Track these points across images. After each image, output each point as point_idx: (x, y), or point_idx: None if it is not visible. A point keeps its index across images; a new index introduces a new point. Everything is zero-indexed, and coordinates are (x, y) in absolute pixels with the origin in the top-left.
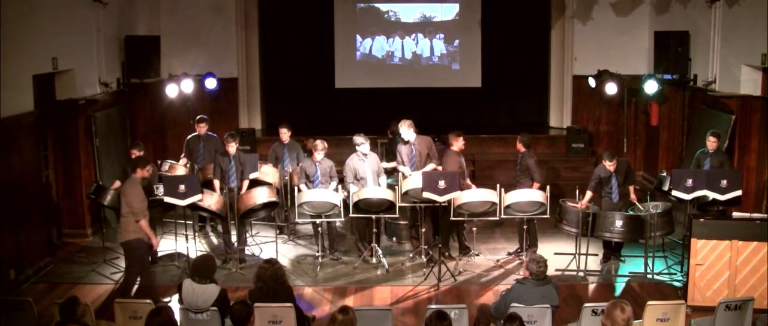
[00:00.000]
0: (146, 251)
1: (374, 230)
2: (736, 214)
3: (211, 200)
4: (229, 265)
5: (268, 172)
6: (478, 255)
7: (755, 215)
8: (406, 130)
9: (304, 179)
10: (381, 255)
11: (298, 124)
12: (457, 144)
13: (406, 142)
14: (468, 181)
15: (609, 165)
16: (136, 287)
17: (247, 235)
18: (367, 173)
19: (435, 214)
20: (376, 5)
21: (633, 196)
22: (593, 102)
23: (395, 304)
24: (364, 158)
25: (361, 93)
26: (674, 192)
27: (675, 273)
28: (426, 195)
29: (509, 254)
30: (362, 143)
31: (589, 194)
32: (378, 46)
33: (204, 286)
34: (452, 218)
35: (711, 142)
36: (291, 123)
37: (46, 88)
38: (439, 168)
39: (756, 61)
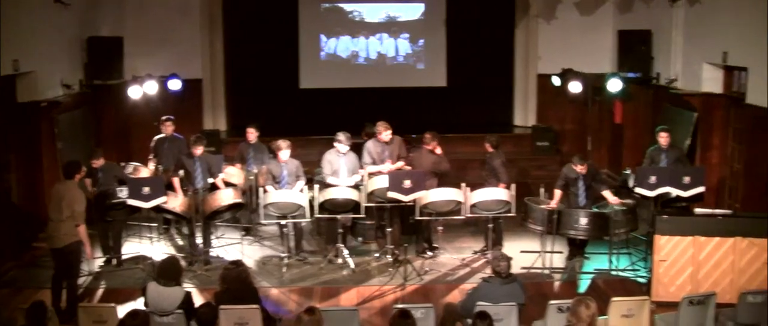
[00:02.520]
0: None
1: (340, 230)
2: (698, 210)
3: (175, 202)
4: (194, 267)
5: (233, 173)
6: (436, 248)
7: (717, 211)
8: (385, 131)
9: (271, 180)
10: (347, 256)
11: (264, 125)
12: (432, 144)
13: (387, 143)
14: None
15: (579, 168)
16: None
17: (213, 237)
18: (342, 168)
19: (403, 214)
20: (341, 5)
21: (612, 199)
22: (558, 100)
23: (362, 304)
24: (341, 155)
25: (327, 93)
26: (638, 190)
27: (639, 270)
28: (391, 194)
29: (475, 253)
30: (341, 140)
31: (558, 193)
32: (343, 46)
33: (169, 289)
34: (418, 217)
35: (663, 138)
36: (256, 124)
37: (7, 90)
38: (407, 167)
39: (717, 59)
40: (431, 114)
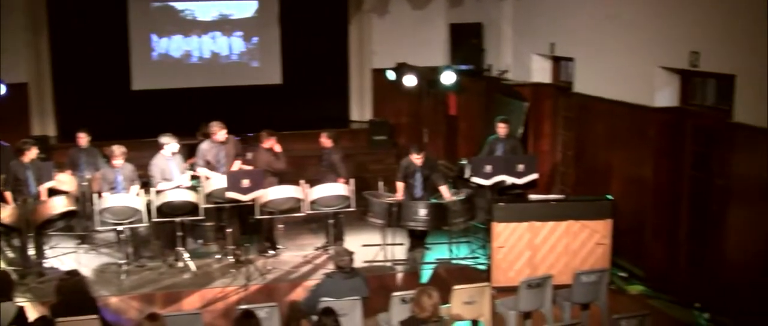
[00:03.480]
0: None
1: (179, 233)
2: (532, 197)
3: (3, 213)
4: (27, 280)
5: (65, 180)
6: (278, 246)
7: (550, 196)
8: (220, 131)
9: (105, 186)
10: (187, 259)
11: (95, 129)
12: (268, 142)
13: (222, 143)
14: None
15: (416, 158)
16: None
17: (46, 247)
18: (174, 171)
19: (242, 214)
20: (172, 4)
21: (447, 195)
22: (394, 94)
23: (205, 308)
24: (171, 157)
25: (160, 94)
26: (474, 179)
27: (479, 257)
28: (230, 194)
29: (317, 249)
30: (169, 142)
31: (400, 185)
32: (175, 45)
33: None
34: (258, 216)
35: (501, 128)
36: (88, 128)
37: None
38: (245, 166)
39: (545, 50)
40: (267, 112)
